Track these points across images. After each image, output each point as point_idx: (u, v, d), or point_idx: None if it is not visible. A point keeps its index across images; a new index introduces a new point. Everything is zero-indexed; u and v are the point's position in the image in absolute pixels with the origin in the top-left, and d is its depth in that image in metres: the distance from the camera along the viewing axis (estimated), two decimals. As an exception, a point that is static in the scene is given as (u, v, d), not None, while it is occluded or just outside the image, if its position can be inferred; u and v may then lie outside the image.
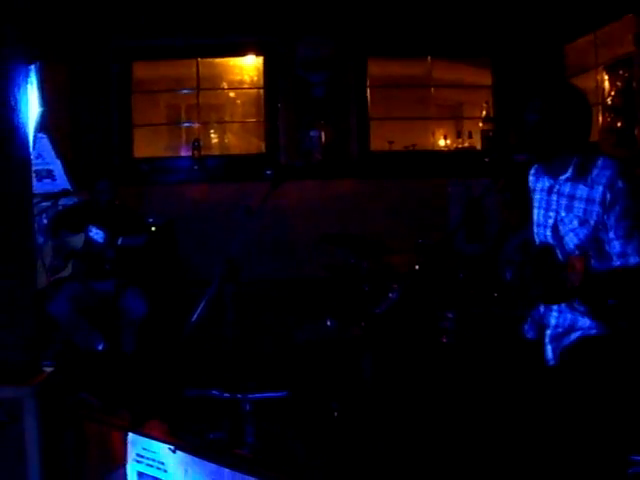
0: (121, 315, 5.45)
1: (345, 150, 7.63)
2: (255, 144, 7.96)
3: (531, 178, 3.40)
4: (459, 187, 6.67)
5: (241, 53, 7.94)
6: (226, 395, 4.17)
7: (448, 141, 8.06)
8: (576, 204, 3.07)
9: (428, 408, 4.06)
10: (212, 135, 8.34)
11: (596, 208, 3.00)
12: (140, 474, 2.86)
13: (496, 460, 3.33)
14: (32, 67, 5.19)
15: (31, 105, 4.97)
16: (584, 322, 3.08)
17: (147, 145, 7.88)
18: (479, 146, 7.78)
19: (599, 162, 3.06)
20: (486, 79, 8.06)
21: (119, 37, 7.45)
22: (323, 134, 7.51)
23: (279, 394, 4.44)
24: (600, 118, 6.78)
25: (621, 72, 6.55)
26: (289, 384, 4.47)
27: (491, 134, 7.68)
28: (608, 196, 2.97)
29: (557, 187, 3.17)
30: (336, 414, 4.17)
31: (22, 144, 3.40)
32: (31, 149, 3.63)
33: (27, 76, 3.84)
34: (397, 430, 3.95)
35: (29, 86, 4.79)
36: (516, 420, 3.16)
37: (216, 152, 8.19)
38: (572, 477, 3.01)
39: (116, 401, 3.34)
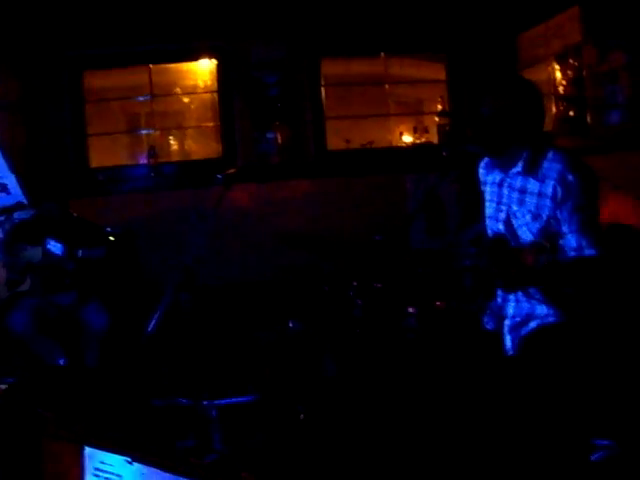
0: (82, 328, 5.38)
1: (302, 150, 7.62)
2: (212, 148, 7.92)
3: (481, 171, 3.40)
4: (418, 182, 6.69)
5: (194, 58, 7.88)
6: (192, 402, 4.14)
7: (405, 137, 8.07)
8: (528, 198, 3.08)
9: (393, 404, 4.06)
10: (168, 141, 8.27)
11: (548, 202, 3.01)
12: (98, 488, 2.82)
13: (460, 451, 3.33)
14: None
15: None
16: (541, 310, 3.09)
17: (103, 154, 7.80)
18: (436, 141, 7.84)
19: (549, 155, 3.07)
20: (441, 74, 8.09)
21: (70, 46, 7.36)
22: (279, 135, 7.50)
23: (245, 399, 4.41)
24: (553, 108, 6.82)
25: (571, 61, 6.60)
26: (254, 388, 4.45)
27: (447, 128, 7.71)
28: (559, 191, 2.98)
29: (508, 181, 3.17)
30: (302, 416, 4.15)
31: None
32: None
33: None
34: (363, 428, 3.94)
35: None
36: (478, 411, 3.16)
37: (173, 158, 8.13)
38: (535, 465, 3.01)
39: (75, 415, 3.28)
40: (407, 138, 8.05)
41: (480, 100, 3.16)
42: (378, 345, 4.53)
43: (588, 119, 6.33)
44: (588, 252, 2.95)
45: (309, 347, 4.50)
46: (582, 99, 6.41)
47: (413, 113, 8.57)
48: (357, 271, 4.79)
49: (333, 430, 4.00)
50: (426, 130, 7.97)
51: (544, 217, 3.02)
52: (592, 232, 2.96)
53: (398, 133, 8.09)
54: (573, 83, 6.60)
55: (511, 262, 2.89)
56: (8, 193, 6.09)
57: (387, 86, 8.04)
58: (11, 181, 6.07)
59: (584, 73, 6.36)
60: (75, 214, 5.68)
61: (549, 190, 3.00)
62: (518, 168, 3.11)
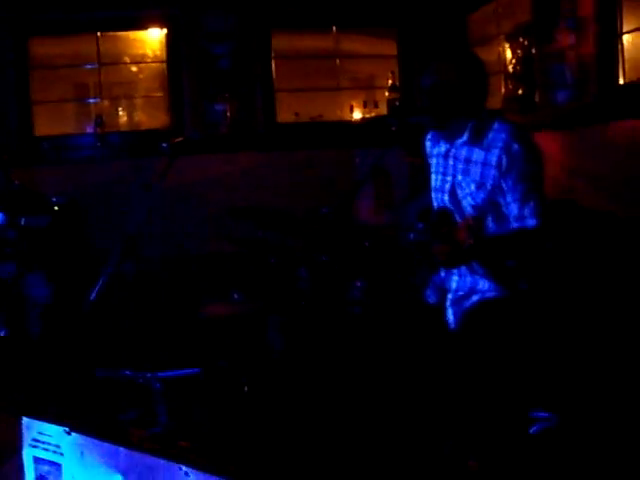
0: (25, 298, 5.30)
1: (251, 122, 7.58)
2: (160, 119, 7.81)
3: (427, 143, 3.40)
4: (366, 157, 6.69)
5: (143, 26, 7.74)
6: (136, 374, 4.11)
7: (355, 111, 8.06)
8: (472, 168, 3.09)
9: (338, 378, 4.08)
10: (116, 111, 8.14)
11: (492, 172, 3.03)
12: (36, 459, 2.78)
13: (402, 424, 3.37)
14: None
15: None
16: (483, 285, 3.12)
17: (48, 123, 7.65)
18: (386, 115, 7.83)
19: (495, 126, 3.09)
20: (392, 49, 8.09)
21: (15, 11, 7.18)
22: (229, 107, 7.44)
23: (189, 371, 4.40)
24: (502, 87, 6.87)
25: (521, 40, 6.65)
26: (198, 360, 4.43)
27: (397, 103, 7.73)
28: (504, 160, 3.00)
29: (453, 151, 3.18)
30: (246, 389, 4.15)
31: None
32: None
33: None
34: (307, 401, 3.95)
35: None
36: (420, 384, 3.19)
37: (120, 128, 7.99)
38: (476, 440, 3.06)
39: (12, 385, 3.24)
40: (357, 113, 8.04)
41: (423, 72, 3.17)
42: (323, 318, 4.55)
43: (536, 98, 6.38)
44: (530, 222, 2.98)
45: (255, 320, 4.50)
46: (531, 78, 6.46)
47: (362, 87, 8.55)
48: (304, 244, 4.79)
49: (277, 403, 4.01)
50: (376, 105, 7.97)
51: (488, 186, 3.04)
52: (535, 201, 3.00)
53: (348, 107, 8.07)
54: (522, 62, 6.64)
55: (446, 240, 2.90)
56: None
57: (338, 60, 8.01)
58: (-49, 148, 5.92)
59: (533, 52, 6.40)
60: (17, 182, 5.57)
61: (494, 159, 3.02)
62: (463, 138, 3.13)
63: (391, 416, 3.47)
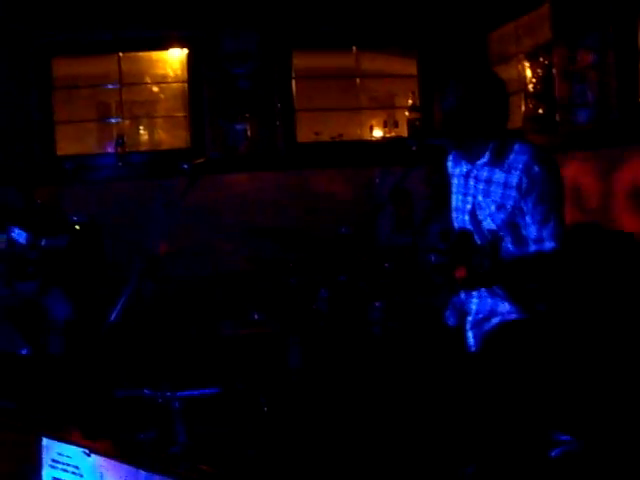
0: (45, 317, 5.33)
1: (271, 142, 7.59)
2: (181, 138, 7.86)
3: (449, 164, 3.40)
4: (387, 177, 6.70)
5: (165, 47, 7.80)
6: (155, 394, 4.11)
7: (375, 131, 8.07)
8: (493, 189, 3.09)
9: (357, 398, 4.06)
10: (137, 131, 8.20)
11: (513, 193, 3.02)
12: (55, 480, 2.79)
13: (422, 446, 3.34)
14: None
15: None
16: (504, 307, 3.10)
17: (70, 142, 7.71)
18: (406, 135, 7.83)
19: (515, 147, 3.08)
20: (412, 69, 8.10)
21: (39, 32, 7.26)
22: (249, 127, 7.46)
23: (208, 391, 4.39)
24: (522, 106, 6.86)
25: (541, 59, 6.64)
26: (217, 380, 4.43)
27: (418, 123, 7.73)
28: (525, 181, 2.99)
29: (474, 172, 3.18)
30: (265, 409, 4.14)
31: None
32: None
33: None
34: (326, 421, 3.94)
35: None
36: (440, 406, 3.17)
37: (141, 148, 8.06)
38: (496, 462, 3.03)
39: (33, 405, 3.25)
40: (377, 132, 8.05)
41: (444, 92, 3.17)
42: (342, 338, 4.53)
43: (557, 117, 6.36)
44: (548, 244, 2.97)
45: (274, 340, 4.49)
46: (551, 97, 6.45)
47: (383, 107, 8.57)
48: (323, 264, 4.79)
49: (296, 423, 4.00)
50: (396, 125, 7.99)
51: (508, 207, 3.03)
52: (554, 224, 2.98)
53: (368, 127, 8.08)
54: (543, 81, 6.63)
55: (465, 263, 2.89)
56: (-29, 181, 6.01)
57: (358, 80, 8.03)
58: (-25, 167, 6.00)
59: (554, 72, 6.39)
60: (40, 202, 5.61)
61: (514, 181, 3.01)
62: (484, 159, 3.12)
63: (410, 439, 3.44)
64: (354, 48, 7.95)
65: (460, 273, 2.91)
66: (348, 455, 3.61)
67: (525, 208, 3.00)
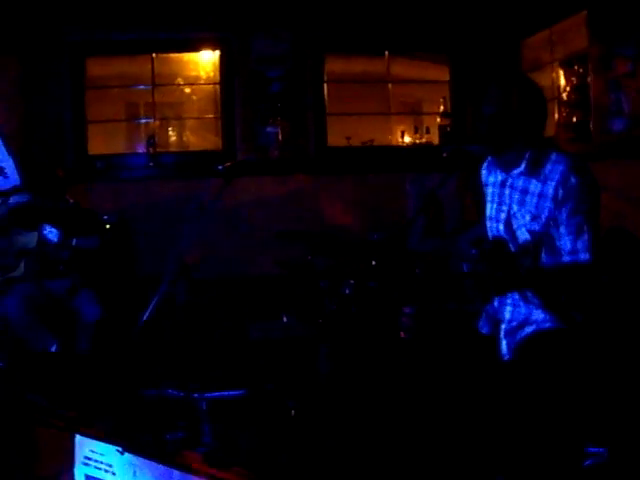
0: (75, 316, 5.36)
1: (302, 146, 7.57)
2: (211, 140, 7.88)
3: (483, 172, 3.38)
4: (417, 182, 6.69)
5: (197, 48, 7.83)
6: (182, 394, 4.12)
7: (406, 136, 8.05)
8: (528, 199, 3.07)
9: (385, 404, 4.04)
10: (168, 131, 8.24)
11: (548, 204, 2.99)
12: (88, 477, 2.80)
13: (452, 454, 3.32)
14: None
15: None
16: (538, 315, 3.07)
17: (102, 142, 7.75)
18: (437, 141, 7.83)
19: (552, 157, 3.05)
20: (443, 75, 8.06)
21: (72, 32, 7.32)
22: (280, 130, 7.47)
23: (236, 393, 4.39)
24: (556, 113, 6.81)
25: (576, 68, 6.60)
26: (245, 382, 4.43)
27: (449, 129, 7.71)
28: (560, 192, 2.96)
29: (510, 181, 3.16)
30: (293, 412, 4.13)
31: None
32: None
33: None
34: (354, 427, 3.92)
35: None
36: (472, 415, 3.15)
37: (172, 149, 8.10)
38: (529, 471, 3.00)
39: (65, 402, 3.26)
40: (408, 138, 8.03)
41: (483, 98, 3.15)
42: (372, 343, 4.52)
43: (591, 126, 6.31)
44: (582, 256, 2.94)
45: (303, 343, 4.48)
46: (586, 105, 6.40)
47: (415, 113, 8.56)
48: (353, 269, 4.78)
49: (323, 427, 3.98)
50: (427, 130, 7.97)
51: (543, 218, 3.01)
52: (589, 235, 2.95)
53: (399, 132, 8.06)
54: (577, 89, 6.58)
55: (506, 268, 2.88)
56: (5, 177, 6.06)
57: (390, 85, 8.01)
58: (9, 165, 6.04)
59: (589, 80, 6.34)
60: (72, 200, 5.65)
61: (550, 191, 2.98)
62: (521, 168, 3.10)
63: (441, 447, 3.42)
64: (386, 53, 7.91)
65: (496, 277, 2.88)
66: (376, 462, 3.59)
67: (559, 219, 2.98)
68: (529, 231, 3.04)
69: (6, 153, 6.07)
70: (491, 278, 3.00)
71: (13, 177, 6.05)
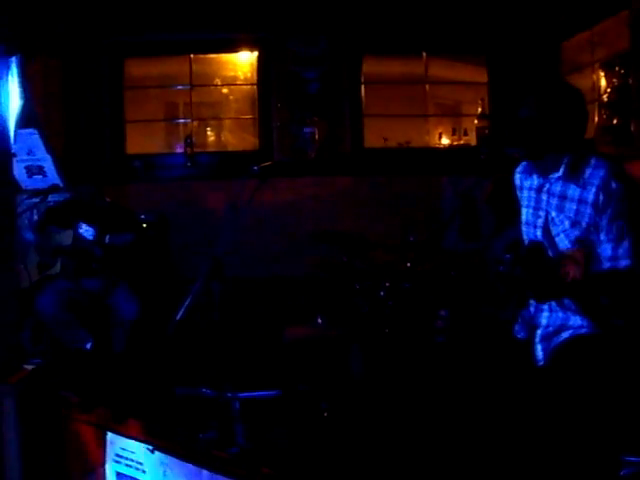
0: (110, 314, 5.39)
1: (339, 147, 7.57)
2: (249, 141, 7.91)
3: (518, 176, 3.33)
4: (454, 184, 6.64)
5: (235, 49, 7.87)
6: (216, 394, 4.13)
7: (443, 138, 8.00)
8: (567, 204, 3.02)
9: (419, 407, 4.02)
10: (205, 132, 8.28)
11: (588, 210, 2.95)
12: (119, 474, 2.81)
13: (488, 460, 3.28)
14: (13, 60, 5.10)
15: (11, 99, 4.88)
16: (575, 321, 3.03)
17: (140, 142, 7.82)
18: (474, 143, 7.74)
19: (592, 162, 3.01)
20: (482, 76, 8.00)
21: (112, 34, 7.40)
22: (317, 131, 7.47)
23: (269, 393, 4.40)
24: (596, 116, 6.72)
25: (617, 69, 6.50)
26: (279, 383, 4.43)
27: (487, 131, 7.63)
28: (601, 198, 2.92)
29: (547, 186, 3.11)
30: (326, 414, 4.12)
31: (2, 138, 3.32)
32: (12, 143, 3.56)
33: (7, 69, 3.78)
34: (387, 430, 3.90)
35: (10, 79, 4.72)
36: (507, 421, 3.11)
37: (209, 149, 8.13)
38: (565, 478, 2.96)
39: (98, 400, 3.28)
40: (445, 140, 7.98)
41: (522, 101, 3.11)
42: (406, 346, 4.49)
43: (632, 128, 6.21)
44: (623, 262, 2.91)
45: (338, 345, 4.47)
46: (627, 108, 6.30)
47: (452, 115, 8.50)
48: (389, 270, 4.76)
49: (356, 429, 3.97)
50: (465, 132, 7.91)
51: (583, 224, 2.96)
52: (629, 241, 2.91)
53: (436, 134, 8.01)
54: (618, 91, 6.48)
55: (546, 273, 2.84)
56: (45, 175, 6.12)
57: (427, 86, 7.96)
58: (48, 164, 6.10)
59: (630, 81, 6.24)
60: (109, 200, 5.69)
61: (590, 197, 2.94)
62: (559, 173, 3.05)
63: (474, 451, 3.39)
64: (424, 54, 7.88)
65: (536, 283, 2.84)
66: (409, 465, 3.57)
67: (600, 225, 2.94)
68: (569, 237, 3.00)
69: (46, 152, 6.13)
70: (529, 284, 2.97)
71: (52, 176, 6.12)
